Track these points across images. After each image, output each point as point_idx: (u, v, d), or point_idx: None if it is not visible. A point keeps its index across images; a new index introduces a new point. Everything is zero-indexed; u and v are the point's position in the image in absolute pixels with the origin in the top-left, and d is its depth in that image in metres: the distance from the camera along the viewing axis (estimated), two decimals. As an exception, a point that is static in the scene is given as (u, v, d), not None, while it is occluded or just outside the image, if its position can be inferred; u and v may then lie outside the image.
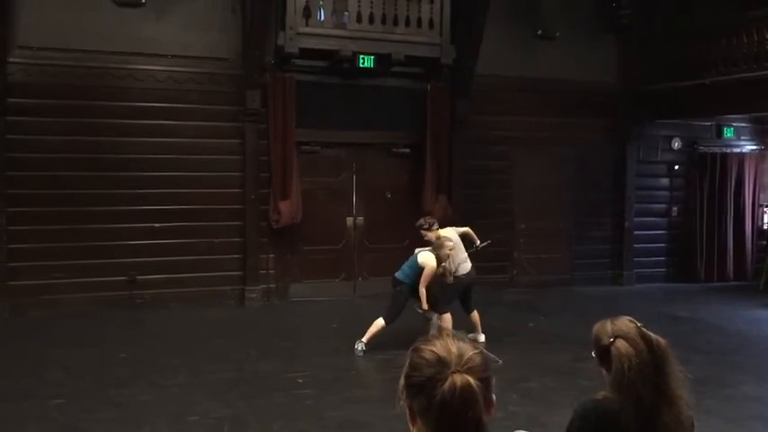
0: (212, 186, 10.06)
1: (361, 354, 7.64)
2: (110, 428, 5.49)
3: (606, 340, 2.34)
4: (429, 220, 8.33)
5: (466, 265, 8.09)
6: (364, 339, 7.67)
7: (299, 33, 9.89)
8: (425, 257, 7.66)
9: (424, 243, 8.11)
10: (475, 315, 8.19)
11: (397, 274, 7.80)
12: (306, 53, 10.00)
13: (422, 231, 8.14)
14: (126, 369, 6.98)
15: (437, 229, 8.11)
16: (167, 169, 9.83)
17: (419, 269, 7.64)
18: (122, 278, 9.61)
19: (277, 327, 9.22)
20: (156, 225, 9.80)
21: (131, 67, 9.64)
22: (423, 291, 7.61)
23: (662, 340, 2.31)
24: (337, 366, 7.28)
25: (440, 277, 7.72)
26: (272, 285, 10.44)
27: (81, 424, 5.55)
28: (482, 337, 7.99)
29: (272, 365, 7.22)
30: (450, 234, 8.10)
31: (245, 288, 10.23)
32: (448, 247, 7.72)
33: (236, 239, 10.22)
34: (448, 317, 7.74)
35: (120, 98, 9.61)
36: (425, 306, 7.66)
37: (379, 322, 7.65)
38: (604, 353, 2.34)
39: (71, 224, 9.40)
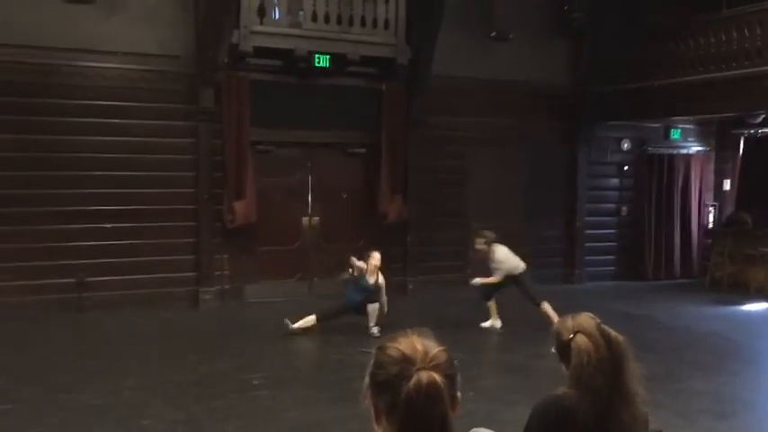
0: (165, 186, 9.88)
1: (288, 328, 8.31)
2: (59, 434, 5.35)
3: (566, 335, 2.36)
4: (488, 235, 8.95)
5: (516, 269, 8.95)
6: (295, 325, 8.35)
7: (253, 32, 9.80)
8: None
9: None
10: (544, 305, 8.71)
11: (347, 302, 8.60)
12: (260, 52, 9.91)
13: (476, 241, 9.04)
14: (75, 373, 6.80)
15: (489, 241, 8.88)
16: (118, 169, 9.63)
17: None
18: (71, 280, 9.36)
19: (232, 328, 9.12)
20: (108, 226, 9.59)
21: (81, 65, 9.41)
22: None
23: (620, 337, 2.35)
24: (293, 367, 7.25)
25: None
26: (226, 286, 10.31)
27: (28, 430, 5.39)
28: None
29: (226, 367, 7.14)
30: (503, 250, 8.88)
31: (199, 289, 10.08)
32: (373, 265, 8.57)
33: (190, 240, 10.07)
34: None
35: (70, 96, 9.37)
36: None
37: (312, 318, 8.40)
38: (564, 348, 2.37)
39: (18, 225, 9.13)
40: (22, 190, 9.17)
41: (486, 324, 9.03)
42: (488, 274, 8.91)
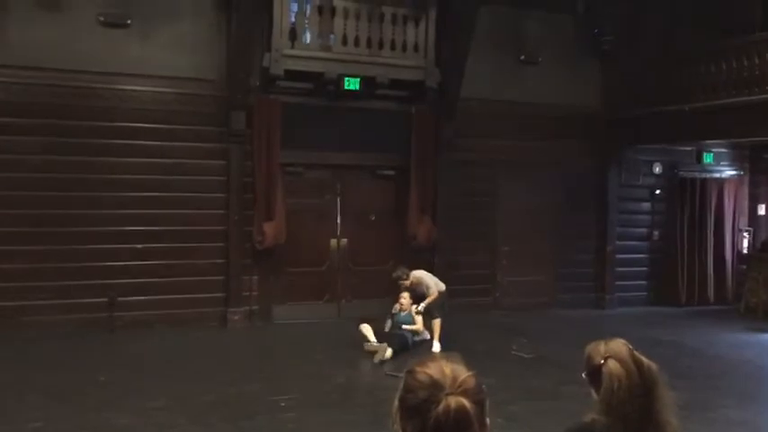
0: (196, 207, 10.00)
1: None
2: (89, 453, 5.39)
3: (598, 360, 2.34)
4: (402, 271, 9.27)
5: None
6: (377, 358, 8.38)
7: (284, 55, 9.93)
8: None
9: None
10: (437, 322, 9.08)
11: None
12: (291, 75, 10.04)
13: (400, 282, 9.19)
14: (105, 392, 6.87)
15: (409, 274, 9.23)
16: (150, 190, 9.77)
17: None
18: (103, 300, 9.48)
19: (260, 349, 9.15)
20: (139, 246, 9.71)
21: (115, 87, 9.61)
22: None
23: (653, 365, 2.31)
24: (320, 389, 7.22)
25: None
26: (255, 307, 10.36)
27: (59, 448, 5.45)
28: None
29: (254, 388, 7.15)
30: (422, 273, 9.33)
31: (227, 310, 10.13)
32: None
33: (220, 261, 10.15)
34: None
35: (104, 118, 9.56)
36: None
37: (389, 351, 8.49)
38: (595, 373, 2.34)
39: (51, 245, 9.29)
40: (57, 210, 9.34)
41: (435, 347, 8.75)
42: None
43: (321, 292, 10.85)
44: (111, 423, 6.01)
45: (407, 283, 9.18)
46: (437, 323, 8.98)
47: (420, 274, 9.32)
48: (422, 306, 9.11)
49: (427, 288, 9.19)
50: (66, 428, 5.85)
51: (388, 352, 8.35)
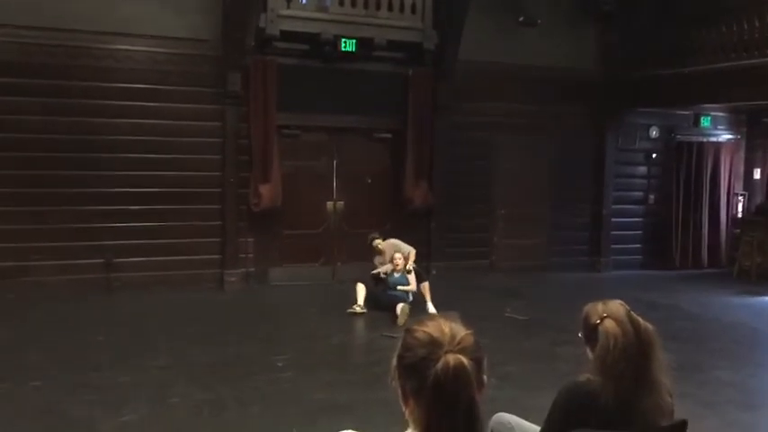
0: (192, 169, 9.97)
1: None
2: (89, 411, 5.45)
3: (595, 319, 2.37)
4: (378, 233, 9.49)
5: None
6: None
7: (280, 16, 9.81)
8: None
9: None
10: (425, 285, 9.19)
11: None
12: (287, 36, 9.93)
13: (374, 244, 9.35)
14: (104, 352, 6.93)
15: (382, 239, 9.43)
16: (146, 151, 9.73)
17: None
18: (100, 261, 9.51)
19: (256, 310, 9.21)
20: (135, 207, 9.71)
21: (110, 47, 9.50)
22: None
23: (650, 326, 2.34)
24: (317, 350, 7.29)
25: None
26: (251, 269, 10.40)
27: (59, 406, 5.50)
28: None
29: (251, 349, 7.21)
30: (396, 240, 9.43)
31: (224, 272, 10.18)
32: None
33: (216, 223, 10.16)
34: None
35: (99, 78, 9.47)
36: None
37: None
38: (592, 332, 2.37)
39: (48, 206, 9.29)
40: (52, 171, 9.31)
41: (430, 309, 8.66)
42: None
43: (317, 255, 10.89)
44: (110, 382, 6.06)
45: (382, 246, 9.26)
46: (426, 286, 9.05)
47: (395, 240, 9.43)
48: (410, 265, 9.13)
49: (405, 251, 9.21)
50: (66, 387, 5.91)
51: (405, 308, 8.42)
